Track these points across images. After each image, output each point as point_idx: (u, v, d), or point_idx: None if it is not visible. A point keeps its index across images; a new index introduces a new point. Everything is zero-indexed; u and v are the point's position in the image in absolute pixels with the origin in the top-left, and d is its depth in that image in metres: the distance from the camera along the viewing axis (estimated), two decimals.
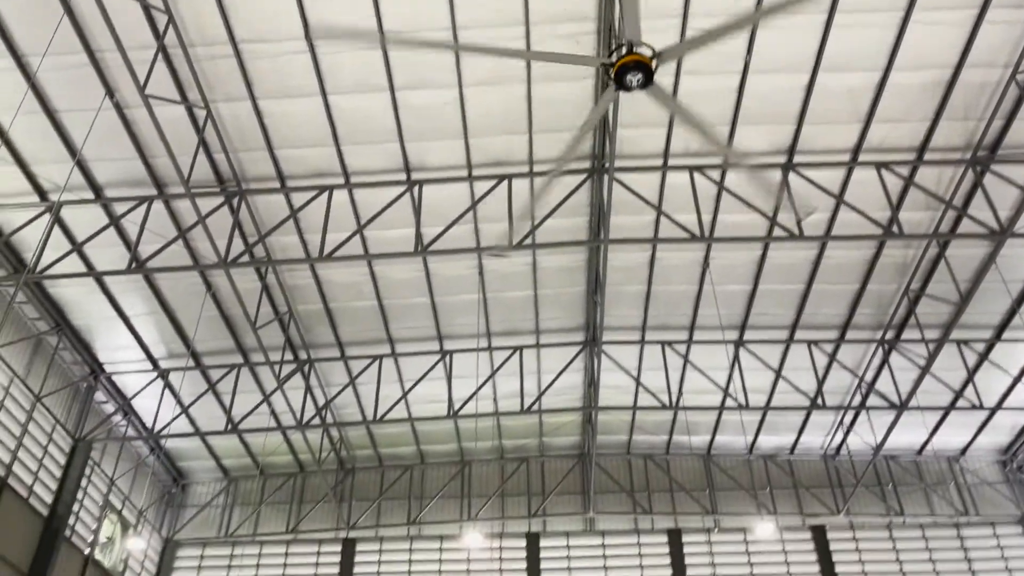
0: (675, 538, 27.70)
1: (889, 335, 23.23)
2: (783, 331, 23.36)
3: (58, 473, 22.69)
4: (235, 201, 18.45)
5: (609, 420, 27.24)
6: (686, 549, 27.58)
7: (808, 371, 24.09)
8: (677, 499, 28.34)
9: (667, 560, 27.41)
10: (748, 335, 23.40)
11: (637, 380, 23.37)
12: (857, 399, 25.32)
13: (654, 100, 9.61)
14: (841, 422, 26.96)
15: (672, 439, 28.33)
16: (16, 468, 20.89)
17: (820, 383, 23.23)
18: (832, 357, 23.45)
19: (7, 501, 20.41)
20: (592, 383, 24.27)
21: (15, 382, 20.95)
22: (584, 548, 27.93)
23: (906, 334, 22.95)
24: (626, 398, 25.73)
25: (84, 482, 23.84)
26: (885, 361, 23.28)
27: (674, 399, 24.50)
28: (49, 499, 22.21)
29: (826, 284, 21.75)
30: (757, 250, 20.86)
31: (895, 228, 18.78)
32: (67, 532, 22.75)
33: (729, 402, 24.20)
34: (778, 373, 23.46)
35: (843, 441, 27.63)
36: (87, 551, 23.91)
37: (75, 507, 23.26)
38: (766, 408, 23.35)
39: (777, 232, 19.12)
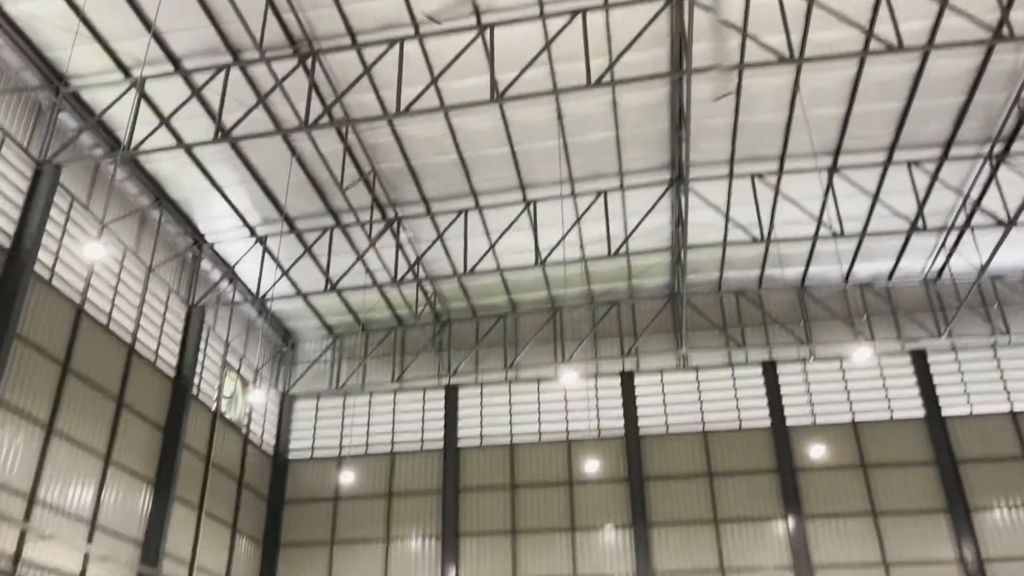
0: (770, 370, 27.95)
1: (997, 149, 21.88)
2: (880, 153, 22.28)
3: (178, 338, 24.33)
4: (309, 62, 18.37)
5: (699, 258, 27.06)
6: (781, 380, 27.86)
7: (908, 193, 23.13)
8: (771, 332, 28.39)
9: (762, 391, 27.80)
10: (843, 160, 22.45)
11: (726, 215, 22.93)
12: (961, 219, 24.30)
13: None
14: (943, 244, 26.02)
15: (764, 273, 28.04)
16: (140, 335, 22.50)
17: (921, 205, 22.27)
18: (934, 176, 22.34)
19: (137, 366, 22.14)
20: (680, 222, 23.99)
21: (128, 255, 22.19)
22: (678, 384, 28.55)
23: (1016, 146, 21.58)
24: (715, 235, 25.42)
25: (202, 345, 25.54)
26: (992, 177, 22.04)
27: (765, 232, 24.04)
28: (174, 362, 23.96)
29: (928, 99, 20.45)
30: (852, 68, 19.62)
31: (1005, 31, 17.27)
32: (194, 391, 24.64)
33: (823, 231, 23.62)
34: (875, 197, 22.59)
35: (945, 263, 26.78)
36: (214, 407, 25.93)
37: (198, 368, 25.04)
38: (862, 235, 22.64)
39: (874, 46, 17.89)
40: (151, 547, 21.54)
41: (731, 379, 28.26)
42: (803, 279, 28.29)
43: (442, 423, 29.46)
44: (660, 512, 26.56)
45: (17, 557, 17.36)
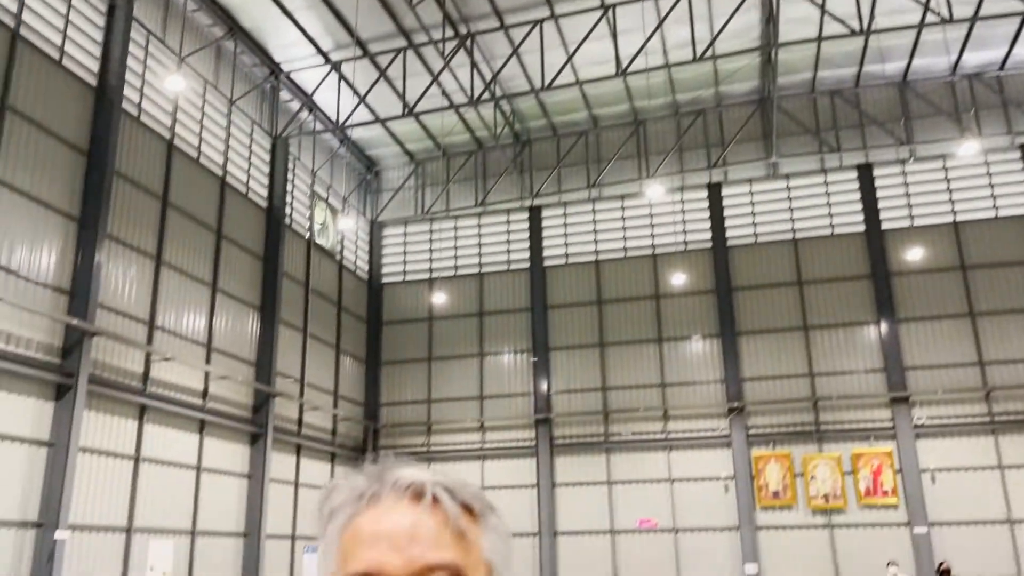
0: (865, 173, 26.80)
1: None
2: None
3: (266, 169, 24.83)
4: None
5: (791, 57, 25.43)
6: (878, 183, 26.74)
7: None
8: (868, 133, 26.96)
9: (856, 196, 26.82)
10: None
11: (822, 7, 21.24)
12: None
13: None
14: None
15: (862, 70, 26.26)
16: (230, 168, 23.03)
17: None
18: None
19: (231, 198, 22.82)
20: (771, 18, 22.41)
21: (209, 89, 22.33)
22: (768, 193, 27.79)
23: None
24: (810, 30, 23.68)
25: (290, 176, 26.03)
26: None
27: (865, 23, 22.23)
28: (265, 193, 24.59)
29: None
30: None
31: None
32: (287, 221, 25.39)
33: (930, 17, 21.68)
34: None
35: None
36: (307, 235, 26.77)
37: (288, 199, 25.67)
38: (973, 19, 20.73)
39: None
40: (263, 367, 23.09)
41: (824, 185, 27.29)
42: (905, 73, 26.41)
43: (527, 243, 29.74)
44: (748, 321, 26.69)
45: (146, 376, 18.91)
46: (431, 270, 30.58)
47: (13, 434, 15.39)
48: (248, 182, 23.79)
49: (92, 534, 16.94)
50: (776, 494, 24.85)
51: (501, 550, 0.98)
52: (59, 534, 15.40)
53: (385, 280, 30.96)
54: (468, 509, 0.97)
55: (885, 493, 23.99)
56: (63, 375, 16.28)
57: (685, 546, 25.32)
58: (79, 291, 16.90)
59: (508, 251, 30.00)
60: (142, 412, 18.70)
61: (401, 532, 0.92)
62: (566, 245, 29.39)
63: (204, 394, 20.85)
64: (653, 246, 28.42)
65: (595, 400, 27.41)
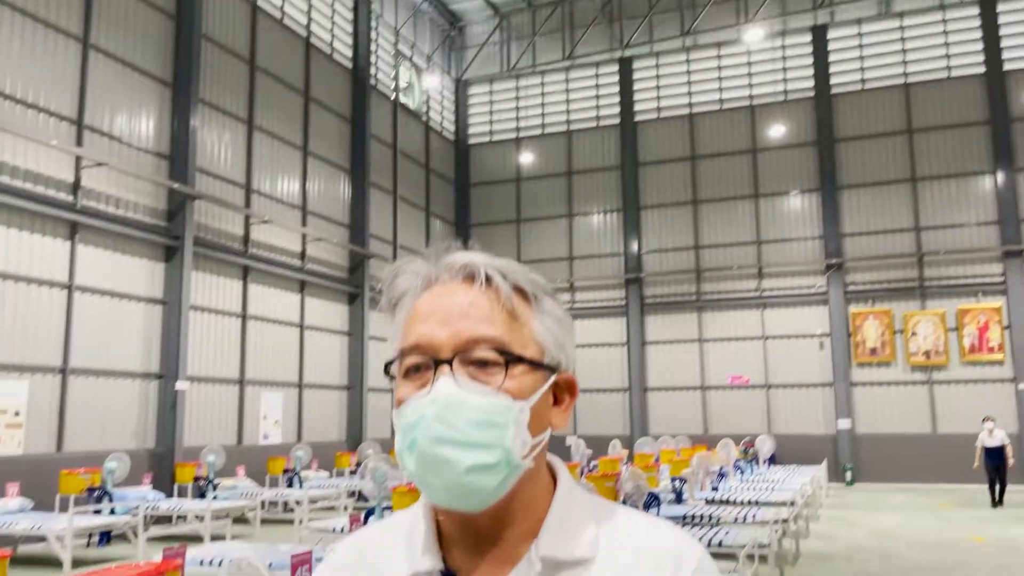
0: (988, 8, 24.39)
1: None
2: None
3: (349, 29, 24.45)
4: None
5: None
6: (1001, 19, 24.35)
7: None
8: None
9: (977, 34, 24.57)
10: None
11: None
12: None
13: None
14: None
15: None
16: (314, 28, 22.77)
17: None
18: None
19: (316, 59, 22.68)
20: None
21: None
22: (879, 34, 25.74)
23: None
24: None
25: (374, 35, 25.58)
26: None
27: None
28: (349, 54, 24.32)
29: None
30: None
31: None
32: (372, 81, 25.17)
33: None
34: None
35: None
36: (393, 96, 26.55)
37: (372, 59, 25.33)
38: None
39: None
40: (356, 229, 23.58)
41: (941, 23, 25.05)
42: None
43: (617, 98, 28.72)
44: (851, 174, 25.42)
45: (246, 239, 19.60)
46: (518, 129, 30.06)
47: (132, 293, 16.36)
48: (332, 43, 23.53)
49: (209, 385, 18.16)
50: (874, 351, 24.40)
51: (555, 332, 1.00)
52: (179, 384, 16.57)
53: (472, 141, 30.66)
54: (522, 292, 0.98)
55: (991, 349, 23.22)
56: (170, 238, 17.02)
57: (777, 402, 25.39)
58: (178, 156, 17.39)
59: (597, 107, 29.10)
60: (245, 273, 19.52)
61: (452, 309, 0.95)
62: (658, 99, 28.27)
63: (302, 256, 21.55)
64: (751, 97, 27.03)
65: (687, 259, 27.05)
